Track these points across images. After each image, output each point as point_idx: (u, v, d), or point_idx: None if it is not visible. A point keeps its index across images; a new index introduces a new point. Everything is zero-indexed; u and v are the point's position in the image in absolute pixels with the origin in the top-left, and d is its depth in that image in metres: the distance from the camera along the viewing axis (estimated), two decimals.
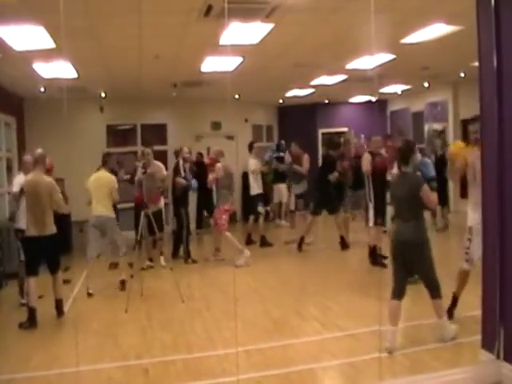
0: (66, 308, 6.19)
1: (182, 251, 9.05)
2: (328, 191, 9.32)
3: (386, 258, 7.94)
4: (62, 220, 6.87)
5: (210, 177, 8.66)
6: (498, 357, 4.07)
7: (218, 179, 8.52)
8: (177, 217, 9.14)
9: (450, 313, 5.17)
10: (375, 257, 7.85)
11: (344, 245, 9.34)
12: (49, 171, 6.50)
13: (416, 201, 4.63)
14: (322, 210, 9.51)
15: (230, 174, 8.73)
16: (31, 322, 5.78)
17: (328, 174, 9.28)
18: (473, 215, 4.96)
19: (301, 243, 9.41)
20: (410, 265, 4.73)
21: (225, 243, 8.76)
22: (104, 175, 7.44)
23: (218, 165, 8.57)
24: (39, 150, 6.20)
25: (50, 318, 5.99)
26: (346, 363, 4.50)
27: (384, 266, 7.58)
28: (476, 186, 4.73)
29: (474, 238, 4.90)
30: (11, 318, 6.14)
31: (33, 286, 5.93)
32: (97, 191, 7.25)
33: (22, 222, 6.30)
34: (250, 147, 10.47)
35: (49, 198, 6.02)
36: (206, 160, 9.73)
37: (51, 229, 6.06)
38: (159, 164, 8.56)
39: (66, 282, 6.72)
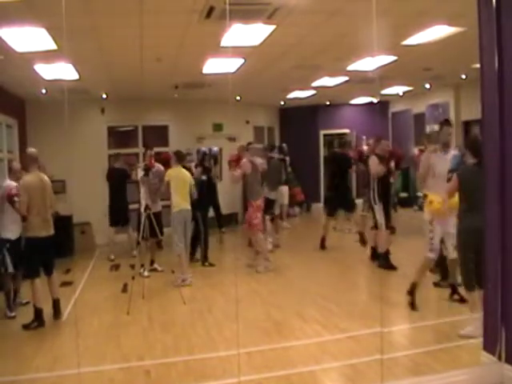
0: (67, 310, 6.20)
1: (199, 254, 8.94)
2: (343, 190, 9.27)
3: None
4: (64, 221, 6.86)
5: (236, 172, 8.31)
6: (499, 359, 4.06)
7: (246, 175, 8.18)
8: (193, 219, 8.99)
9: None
10: (387, 260, 7.70)
11: (364, 241, 9.18)
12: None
13: None
14: (337, 211, 9.54)
15: (256, 168, 8.37)
16: (39, 322, 5.77)
17: (341, 173, 9.24)
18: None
19: (323, 243, 9.48)
20: (480, 255, 4.69)
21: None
22: (184, 171, 7.74)
23: (244, 160, 8.27)
24: (32, 150, 6.09)
25: (51, 320, 5.98)
26: (347, 365, 4.50)
27: (394, 268, 7.50)
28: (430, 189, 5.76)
29: (436, 229, 5.64)
30: (12, 319, 6.14)
31: (38, 286, 5.89)
32: (181, 187, 7.50)
33: (10, 232, 6.14)
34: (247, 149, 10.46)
35: (50, 197, 6.05)
36: (228, 157, 9.53)
37: (53, 229, 6.06)
38: (160, 166, 8.54)
39: (68, 283, 6.73)
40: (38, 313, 5.82)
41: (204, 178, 8.98)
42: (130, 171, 9.51)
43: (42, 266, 6.07)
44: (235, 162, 8.83)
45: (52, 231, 6.04)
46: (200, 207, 8.60)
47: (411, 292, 5.84)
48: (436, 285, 6.74)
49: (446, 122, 6.13)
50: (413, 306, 5.78)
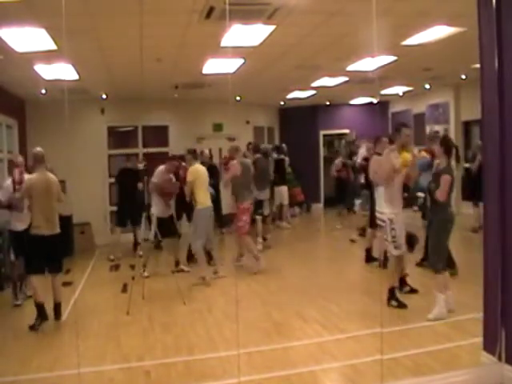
0: (67, 310, 6.20)
1: None
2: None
3: (376, 260, 7.92)
4: (64, 221, 6.85)
5: (226, 176, 8.19)
6: (499, 359, 4.06)
7: (236, 177, 8.05)
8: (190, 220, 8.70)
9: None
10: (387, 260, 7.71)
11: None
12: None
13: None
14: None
15: (247, 170, 8.32)
16: (42, 317, 5.77)
17: None
18: (391, 210, 5.99)
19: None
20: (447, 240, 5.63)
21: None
22: (204, 169, 7.79)
23: (233, 162, 8.08)
24: (38, 149, 6.10)
25: (51, 321, 5.97)
26: (348, 365, 4.50)
27: None
28: (392, 186, 5.97)
29: (396, 227, 5.91)
30: (12, 319, 6.15)
31: (36, 282, 5.89)
32: (205, 184, 7.56)
33: (18, 224, 6.32)
34: (248, 148, 10.47)
35: (56, 197, 6.04)
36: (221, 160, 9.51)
37: (58, 228, 6.05)
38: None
39: (68, 284, 6.72)
40: (40, 307, 5.79)
41: None
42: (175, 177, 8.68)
43: (47, 264, 6.02)
44: (226, 164, 8.76)
45: (57, 230, 6.00)
46: None
47: (392, 297, 5.95)
48: (418, 265, 7.31)
49: (404, 125, 6.46)
50: (401, 305, 5.88)
